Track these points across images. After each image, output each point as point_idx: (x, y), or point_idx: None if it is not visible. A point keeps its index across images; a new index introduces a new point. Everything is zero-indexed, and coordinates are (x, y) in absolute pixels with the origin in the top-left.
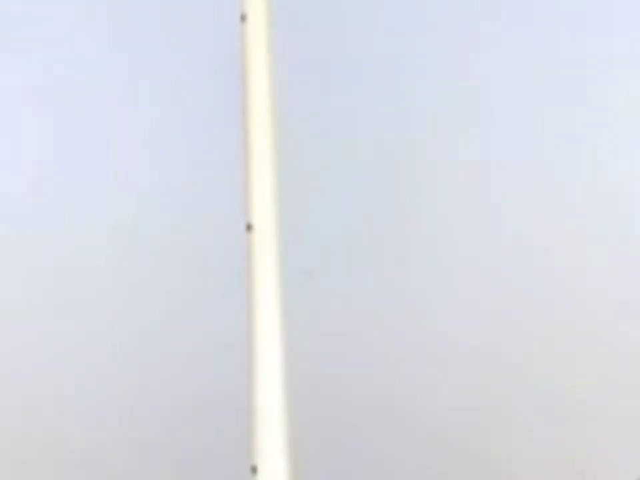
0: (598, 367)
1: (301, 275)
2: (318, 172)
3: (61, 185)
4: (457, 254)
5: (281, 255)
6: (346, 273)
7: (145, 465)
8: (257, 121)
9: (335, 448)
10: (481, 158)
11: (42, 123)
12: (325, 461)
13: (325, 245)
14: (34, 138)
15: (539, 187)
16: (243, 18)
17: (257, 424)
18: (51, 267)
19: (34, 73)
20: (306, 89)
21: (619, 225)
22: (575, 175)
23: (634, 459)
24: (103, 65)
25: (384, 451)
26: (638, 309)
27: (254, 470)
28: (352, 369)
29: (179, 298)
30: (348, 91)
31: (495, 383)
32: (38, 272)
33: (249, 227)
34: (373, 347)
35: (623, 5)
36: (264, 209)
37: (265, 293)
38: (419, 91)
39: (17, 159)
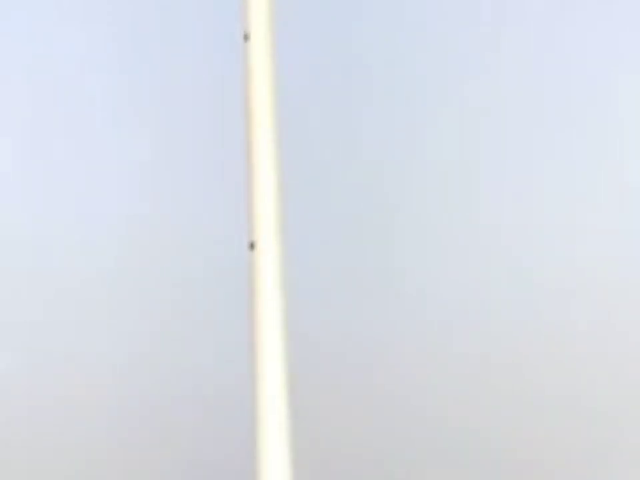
0: (596, 370)
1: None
2: (321, 190)
3: (64, 208)
4: (456, 262)
5: (284, 272)
6: (349, 290)
7: None
8: (260, 139)
9: (338, 465)
10: (482, 165)
11: (47, 136)
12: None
13: (328, 262)
14: (36, 146)
15: (535, 191)
16: (246, 37)
17: (260, 442)
18: (55, 288)
19: (41, 87)
20: (309, 107)
21: (614, 226)
22: (571, 176)
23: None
24: (107, 84)
25: (386, 463)
26: (636, 312)
27: None
28: (354, 385)
29: (182, 316)
30: (351, 109)
31: (491, 386)
32: (43, 298)
33: (252, 245)
34: (376, 363)
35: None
36: (267, 227)
37: (268, 311)
38: (420, 108)
39: (20, 167)
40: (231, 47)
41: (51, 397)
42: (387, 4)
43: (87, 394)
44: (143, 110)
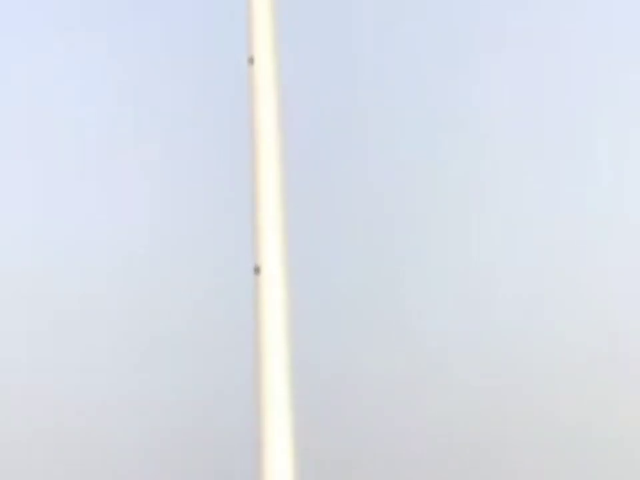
0: (598, 388)
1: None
2: (326, 215)
3: (73, 235)
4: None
5: (289, 297)
6: (353, 314)
7: None
8: (265, 163)
9: None
10: (485, 172)
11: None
12: None
13: (332, 286)
14: (43, 167)
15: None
16: (251, 61)
17: (265, 463)
18: (60, 319)
19: (52, 120)
20: (314, 130)
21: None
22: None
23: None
24: (111, 103)
25: (388, 471)
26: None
27: None
28: (358, 409)
29: (187, 340)
30: (356, 132)
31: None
32: (48, 332)
33: (257, 270)
34: (380, 392)
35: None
36: (272, 252)
37: (273, 335)
38: (425, 125)
39: (24, 183)
40: (236, 71)
41: (54, 407)
42: (389, 25)
43: (91, 408)
44: (150, 133)
